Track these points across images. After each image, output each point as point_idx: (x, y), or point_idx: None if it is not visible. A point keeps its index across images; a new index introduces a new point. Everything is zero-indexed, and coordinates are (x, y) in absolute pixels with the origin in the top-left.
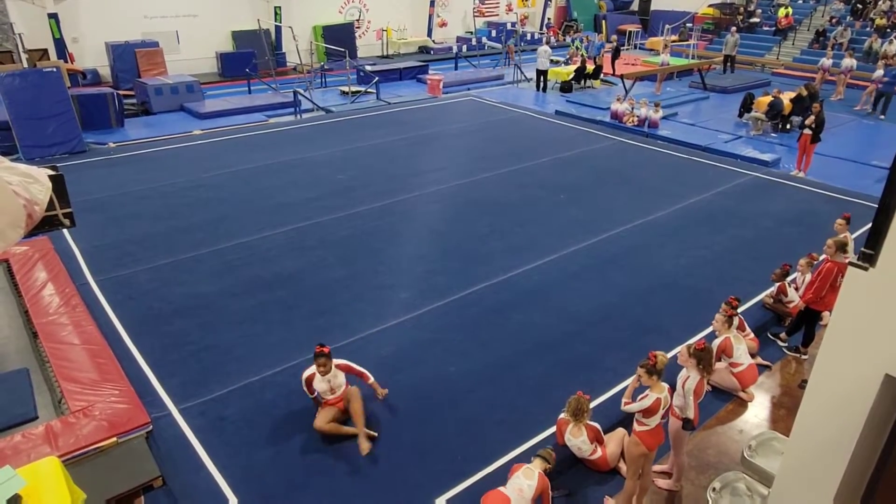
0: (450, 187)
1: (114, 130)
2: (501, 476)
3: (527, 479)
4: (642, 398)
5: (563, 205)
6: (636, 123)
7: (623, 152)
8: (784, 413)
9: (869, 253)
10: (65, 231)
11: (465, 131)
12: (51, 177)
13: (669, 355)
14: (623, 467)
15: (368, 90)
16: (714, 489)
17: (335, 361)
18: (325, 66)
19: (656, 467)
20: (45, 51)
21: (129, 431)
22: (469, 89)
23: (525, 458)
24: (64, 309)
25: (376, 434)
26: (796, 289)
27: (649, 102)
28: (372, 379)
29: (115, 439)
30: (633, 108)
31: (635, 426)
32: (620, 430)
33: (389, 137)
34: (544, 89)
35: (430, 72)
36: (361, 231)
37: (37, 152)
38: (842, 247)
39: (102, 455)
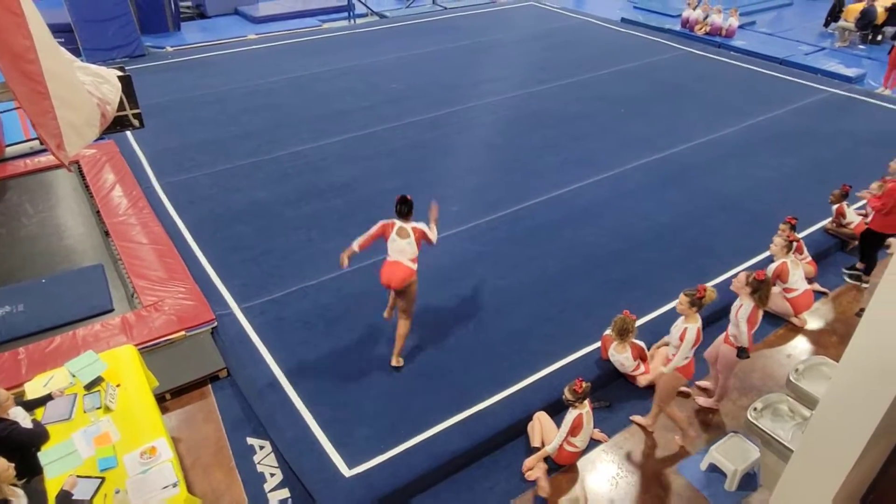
0: (505, 98)
1: (170, 34)
2: (545, 385)
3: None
4: (680, 334)
5: (623, 119)
6: (708, 32)
7: (691, 64)
8: (836, 340)
9: None
10: (129, 135)
11: (524, 39)
12: (119, 77)
13: (725, 277)
14: None
15: None
16: (755, 409)
17: (412, 225)
18: None
19: (698, 383)
20: None
21: (196, 326)
22: None
23: (567, 370)
24: (132, 210)
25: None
26: (866, 214)
27: (725, 9)
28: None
29: (183, 333)
30: (707, 16)
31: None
32: (664, 348)
33: (445, 45)
34: None
35: None
36: (415, 142)
37: (99, 55)
38: None
39: (172, 346)
